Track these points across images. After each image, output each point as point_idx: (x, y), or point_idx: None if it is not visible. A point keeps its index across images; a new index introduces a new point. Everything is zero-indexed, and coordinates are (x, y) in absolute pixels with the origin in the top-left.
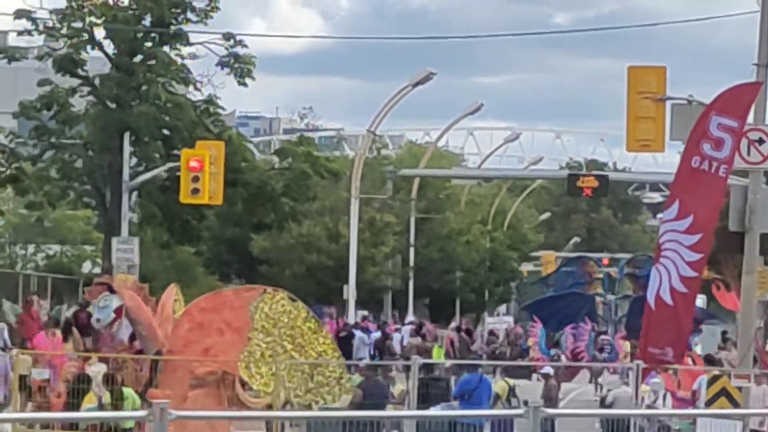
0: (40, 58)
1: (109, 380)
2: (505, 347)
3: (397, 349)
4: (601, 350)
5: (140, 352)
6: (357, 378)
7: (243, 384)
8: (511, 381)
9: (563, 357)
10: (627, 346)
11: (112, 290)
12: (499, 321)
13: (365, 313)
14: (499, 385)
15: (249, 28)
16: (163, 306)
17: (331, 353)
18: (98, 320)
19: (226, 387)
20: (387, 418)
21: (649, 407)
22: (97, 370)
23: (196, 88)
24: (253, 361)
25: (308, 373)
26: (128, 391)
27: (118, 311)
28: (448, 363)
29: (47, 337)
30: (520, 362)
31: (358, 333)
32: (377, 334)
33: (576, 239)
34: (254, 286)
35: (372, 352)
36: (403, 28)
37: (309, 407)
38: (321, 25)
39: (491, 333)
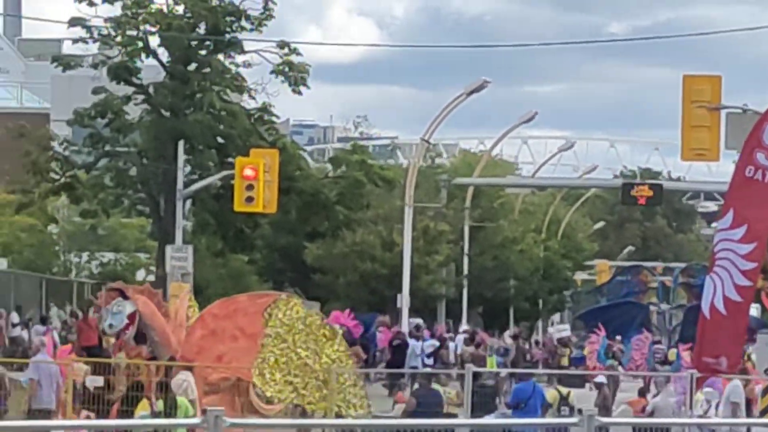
0: (94, 66)
1: (161, 387)
2: (547, 356)
3: (451, 357)
4: (663, 363)
5: (153, 358)
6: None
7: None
8: (565, 389)
9: (620, 367)
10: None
11: (125, 296)
12: (558, 330)
13: (419, 321)
14: (550, 393)
15: (304, 36)
16: (177, 312)
17: (345, 360)
18: (111, 326)
19: (240, 394)
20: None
21: (700, 417)
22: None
23: (251, 96)
24: (266, 367)
25: (322, 380)
26: (181, 400)
27: (132, 317)
28: (504, 372)
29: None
30: (573, 371)
31: (411, 341)
32: (431, 342)
33: (630, 248)
34: (268, 292)
35: (425, 361)
36: (458, 36)
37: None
38: (376, 33)
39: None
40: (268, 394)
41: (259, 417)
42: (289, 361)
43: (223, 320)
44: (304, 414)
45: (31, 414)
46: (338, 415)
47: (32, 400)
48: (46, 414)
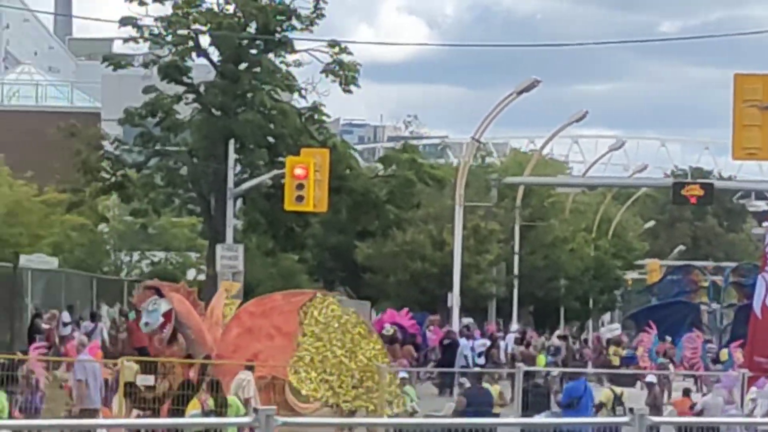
0: (145, 65)
1: (213, 386)
2: (597, 355)
3: (502, 356)
4: (715, 362)
5: (189, 357)
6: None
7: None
8: (618, 389)
9: (671, 366)
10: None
11: (160, 294)
12: (609, 330)
13: (470, 321)
14: (604, 393)
15: (355, 35)
16: (212, 310)
17: (381, 359)
18: (146, 324)
19: (276, 392)
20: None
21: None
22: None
23: (301, 96)
24: (302, 366)
25: (358, 379)
26: (232, 399)
27: (167, 315)
28: (556, 371)
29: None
30: (624, 370)
31: (462, 341)
32: (481, 342)
33: (681, 248)
34: (303, 290)
35: (476, 360)
36: (509, 35)
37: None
38: (427, 32)
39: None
40: (304, 392)
41: (296, 416)
42: (324, 360)
43: (259, 318)
44: (351, 414)
45: (81, 414)
46: (374, 414)
47: (82, 400)
48: (93, 413)
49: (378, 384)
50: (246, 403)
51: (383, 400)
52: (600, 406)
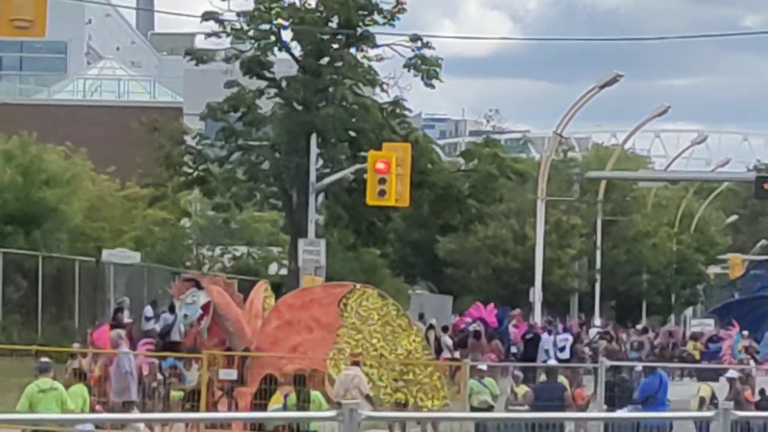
0: (227, 60)
1: (297, 381)
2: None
3: (586, 351)
4: None
5: (228, 349)
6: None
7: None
8: (709, 385)
9: (752, 361)
10: None
11: (199, 286)
12: (701, 324)
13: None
14: (703, 388)
15: (438, 29)
16: (252, 302)
17: (421, 351)
18: (185, 316)
19: (315, 384)
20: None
21: None
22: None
23: (383, 90)
24: (342, 358)
25: (398, 371)
26: (315, 394)
27: (206, 308)
28: (639, 366)
29: None
30: (707, 365)
31: (543, 335)
32: (563, 336)
33: (764, 242)
34: (343, 282)
35: (558, 355)
36: (592, 30)
37: (405, 406)
38: (510, 27)
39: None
40: None
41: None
42: (364, 352)
43: (298, 311)
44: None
45: (123, 407)
46: (412, 406)
47: (124, 393)
48: (131, 406)
49: (418, 376)
50: (367, 399)
51: (410, 392)
52: (701, 402)
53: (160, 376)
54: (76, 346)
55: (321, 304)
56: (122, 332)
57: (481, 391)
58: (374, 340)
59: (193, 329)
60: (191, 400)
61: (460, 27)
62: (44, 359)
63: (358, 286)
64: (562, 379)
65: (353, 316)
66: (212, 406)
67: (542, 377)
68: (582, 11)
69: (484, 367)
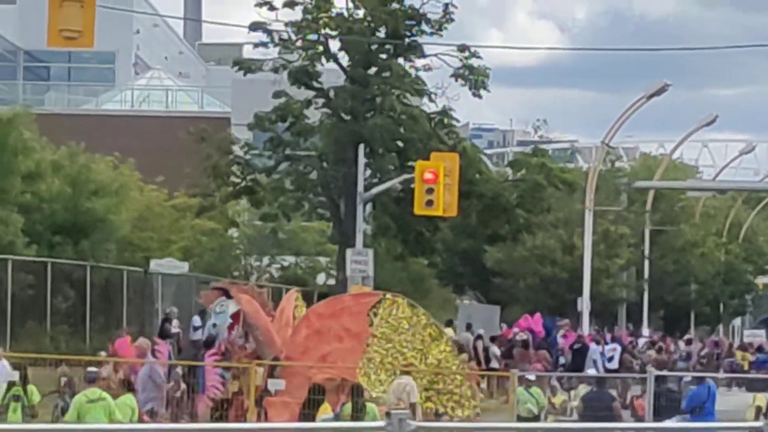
0: (275, 70)
1: (354, 391)
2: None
3: (634, 361)
4: None
5: (258, 358)
6: (583, 389)
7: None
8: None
9: None
10: None
11: (228, 295)
12: (753, 335)
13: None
14: (758, 398)
15: (486, 39)
16: (282, 311)
17: (451, 360)
18: (215, 325)
19: (345, 394)
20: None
21: None
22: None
23: (431, 100)
24: (372, 367)
25: (428, 380)
26: (371, 405)
27: (235, 316)
28: (689, 376)
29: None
30: (756, 374)
31: (591, 345)
32: (611, 346)
33: None
34: (373, 291)
35: (606, 365)
36: (641, 39)
37: (437, 415)
38: (558, 36)
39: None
40: (374, 394)
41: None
42: (394, 361)
43: (328, 320)
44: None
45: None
46: (440, 415)
47: (148, 402)
48: (154, 415)
49: (449, 386)
50: (412, 408)
51: (441, 401)
52: (758, 411)
53: (183, 385)
54: (103, 355)
55: (351, 313)
56: (148, 341)
57: (527, 400)
58: (404, 350)
59: (224, 338)
60: (219, 410)
61: (508, 37)
62: (92, 369)
63: (388, 295)
64: (613, 390)
65: (383, 325)
66: (241, 417)
67: (581, 387)
68: (630, 21)
69: (531, 377)
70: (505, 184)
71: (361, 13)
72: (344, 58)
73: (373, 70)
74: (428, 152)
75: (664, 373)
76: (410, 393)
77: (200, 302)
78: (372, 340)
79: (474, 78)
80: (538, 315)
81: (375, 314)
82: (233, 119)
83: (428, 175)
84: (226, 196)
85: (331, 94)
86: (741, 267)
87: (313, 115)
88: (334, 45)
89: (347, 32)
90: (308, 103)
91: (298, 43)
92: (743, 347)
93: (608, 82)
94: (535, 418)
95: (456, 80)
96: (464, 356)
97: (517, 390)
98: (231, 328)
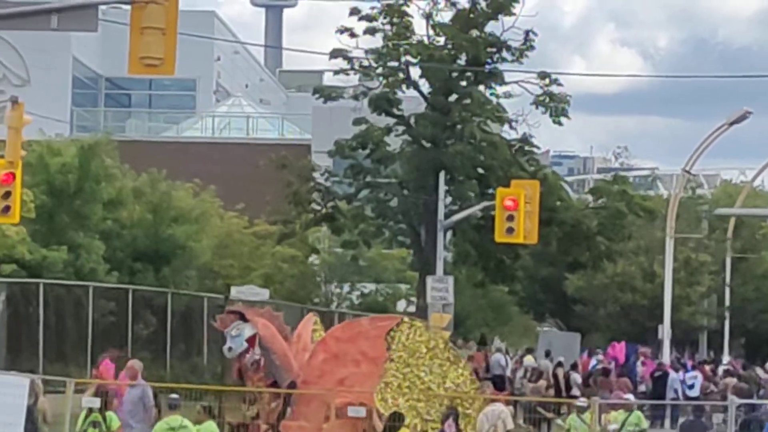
0: (355, 97)
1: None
2: None
3: (715, 390)
4: None
5: (274, 383)
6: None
7: (380, 416)
8: None
9: None
10: None
11: (244, 319)
12: None
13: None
14: None
15: (569, 66)
16: (299, 336)
17: (469, 384)
18: (230, 349)
19: (363, 419)
20: None
21: None
22: None
23: (511, 127)
24: (389, 392)
25: (447, 405)
26: None
27: (251, 340)
28: None
29: None
30: None
31: (672, 373)
32: (692, 374)
33: None
34: (390, 315)
35: (687, 393)
36: (724, 67)
37: None
38: (640, 64)
39: None
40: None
41: None
42: (412, 386)
43: (345, 343)
44: None
45: None
46: None
47: (137, 424)
48: None
49: (467, 410)
50: None
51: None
52: None
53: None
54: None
55: (368, 337)
56: (140, 363)
57: (578, 427)
58: (422, 374)
59: (238, 363)
60: None
61: (590, 64)
62: (174, 396)
63: (405, 318)
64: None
65: (401, 349)
66: None
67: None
68: (714, 49)
69: (583, 403)
70: (585, 211)
71: (441, 40)
72: (425, 85)
73: (453, 97)
74: (509, 179)
75: (746, 401)
76: (505, 420)
77: (216, 326)
78: (389, 364)
79: (554, 105)
80: (623, 343)
81: (392, 338)
82: (314, 146)
83: (509, 203)
84: (306, 223)
85: (412, 121)
86: None
87: (394, 143)
88: (415, 72)
89: (428, 59)
90: (389, 130)
91: (379, 71)
92: None
93: (690, 110)
94: None
95: (536, 107)
96: (543, 383)
97: (569, 418)
98: (246, 352)
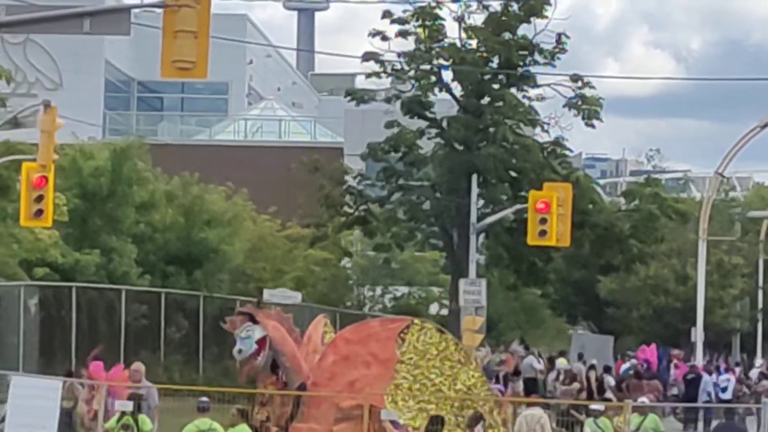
0: (387, 100)
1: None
2: None
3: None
4: None
5: (285, 385)
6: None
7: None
8: None
9: None
10: None
11: (254, 320)
12: None
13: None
14: None
15: (602, 69)
16: (310, 338)
17: (480, 386)
18: (240, 351)
19: (373, 421)
20: None
21: None
22: None
23: (544, 130)
24: (400, 394)
25: (457, 407)
26: None
27: (261, 342)
28: None
29: None
30: None
31: (705, 375)
32: (725, 377)
33: None
34: (400, 317)
35: (720, 395)
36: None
37: None
38: (673, 66)
39: None
40: (402, 421)
41: None
42: (422, 388)
43: (355, 345)
44: None
45: None
46: None
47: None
48: None
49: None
50: None
51: None
52: None
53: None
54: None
55: (378, 338)
56: (142, 365)
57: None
58: (432, 375)
59: (248, 366)
60: None
61: (624, 66)
62: (203, 399)
63: (416, 320)
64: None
65: (411, 350)
66: None
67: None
68: (747, 51)
69: (599, 407)
70: (618, 214)
71: (473, 43)
72: (457, 88)
73: (486, 100)
74: (541, 182)
75: None
76: (544, 425)
77: (225, 327)
78: (400, 366)
79: (587, 108)
80: (653, 345)
81: (403, 340)
82: (346, 149)
83: (541, 205)
84: (339, 226)
85: (444, 124)
86: None
87: (426, 145)
88: (447, 75)
89: (460, 62)
90: (421, 133)
91: (411, 73)
92: None
93: (723, 112)
94: None
95: (569, 110)
96: (575, 386)
97: (587, 421)
98: (256, 354)
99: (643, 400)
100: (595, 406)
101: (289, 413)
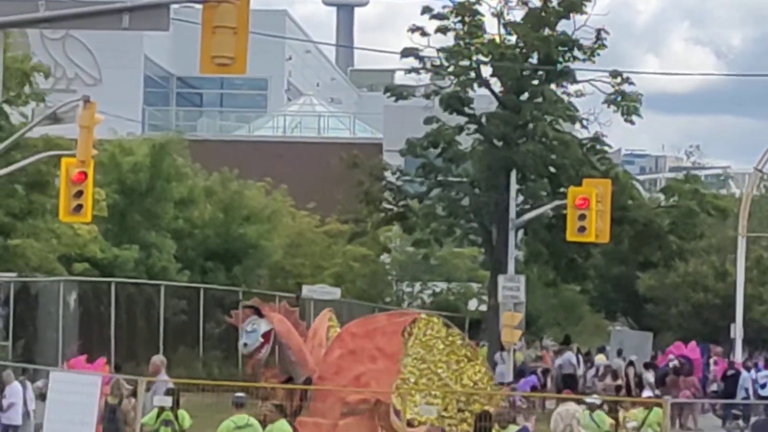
0: (426, 96)
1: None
2: None
3: None
4: None
5: (290, 379)
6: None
7: (397, 413)
8: None
9: None
10: None
11: (260, 314)
12: None
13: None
14: None
15: (642, 65)
16: (315, 331)
17: (486, 382)
18: (245, 345)
19: (380, 416)
20: None
21: None
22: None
23: (583, 126)
24: (406, 388)
25: (464, 401)
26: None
27: (266, 336)
28: None
29: None
30: None
31: (743, 372)
32: (765, 373)
33: None
34: (407, 311)
35: (759, 392)
36: None
37: None
38: (714, 63)
39: None
40: (408, 416)
41: None
42: (429, 382)
43: (362, 339)
44: None
45: None
46: None
47: None
48: None
49: (485, 407)
50: None
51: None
52: None
53: None
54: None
55: (385, 332)
56: (163, 357)
57: (587, 426)
58: (439, 370)
59: (253, 359)
60: None
61: (664, 63)
62: (240, 394)
63: (422, 315)
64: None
65: (418, 345)
66: None
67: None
68: None
69: (595, 400)
70: (657, 210)
71: (513, 39)
72: (496, 84)
73: (525, 96)
74: (580, 178)
75: None
76: (580, 420)
77: (230, 321)
78: (406, 360)
79: (626, 104)
80: (693, 343)
81: (409, 334)
82: (385, 145)
83: (580, 202)
84: (378, 222)
85: (483, 120)
86: None
87: (465, 141)
88: (486, 71)
89: (499, 58)
90: (460, 129)
91: (450, 69)
92: None
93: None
94: None
95: (608, 106)
96: (615, 382)
97: (583, 414)
98: (261, 347)
99: (648, 394)
100: (591, 399)
101: (295, 407)
